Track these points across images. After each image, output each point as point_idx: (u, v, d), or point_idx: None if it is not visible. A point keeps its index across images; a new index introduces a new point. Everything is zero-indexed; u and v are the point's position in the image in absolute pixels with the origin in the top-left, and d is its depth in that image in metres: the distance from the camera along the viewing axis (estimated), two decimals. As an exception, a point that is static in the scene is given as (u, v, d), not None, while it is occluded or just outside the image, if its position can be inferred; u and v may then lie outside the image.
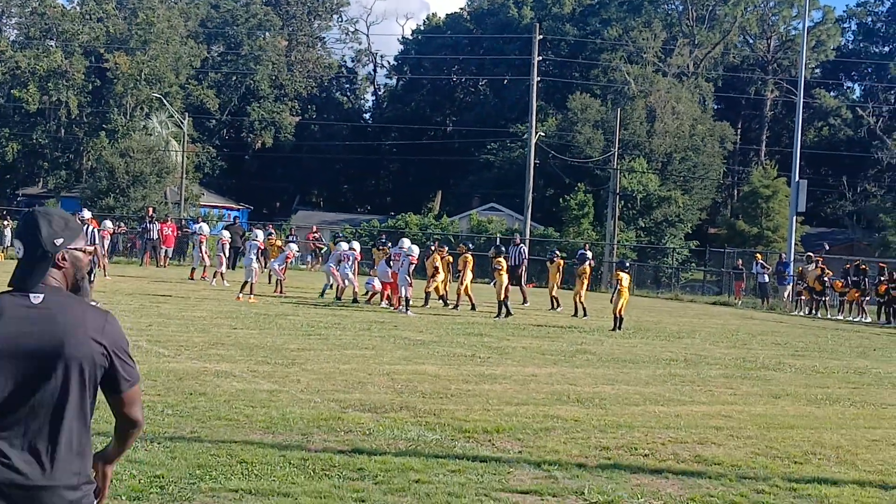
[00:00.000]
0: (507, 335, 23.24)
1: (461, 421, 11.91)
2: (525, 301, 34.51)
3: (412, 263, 28.16)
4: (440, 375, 15.71)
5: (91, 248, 4.46)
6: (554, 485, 9.22)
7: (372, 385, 14.31)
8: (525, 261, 37.18)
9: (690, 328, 28.68)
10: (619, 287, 26.61)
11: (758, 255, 46.88)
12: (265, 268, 33.74)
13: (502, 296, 28.40)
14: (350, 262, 30.96)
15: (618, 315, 26.26)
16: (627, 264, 30.21)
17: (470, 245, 32.70)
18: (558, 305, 32.47)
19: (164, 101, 75.21)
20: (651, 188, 72.90)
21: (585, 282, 31.13)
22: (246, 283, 29.07)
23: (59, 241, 4.09)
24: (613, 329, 26.08)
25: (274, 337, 19.78)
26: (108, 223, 40.82)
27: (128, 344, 4.15)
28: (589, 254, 33.52)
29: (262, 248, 30.90)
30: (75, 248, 4.16)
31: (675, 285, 54.88)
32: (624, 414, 13.18)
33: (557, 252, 34.82)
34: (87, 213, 26.46)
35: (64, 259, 4.12)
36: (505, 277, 28.93)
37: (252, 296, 28.74)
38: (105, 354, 4.02)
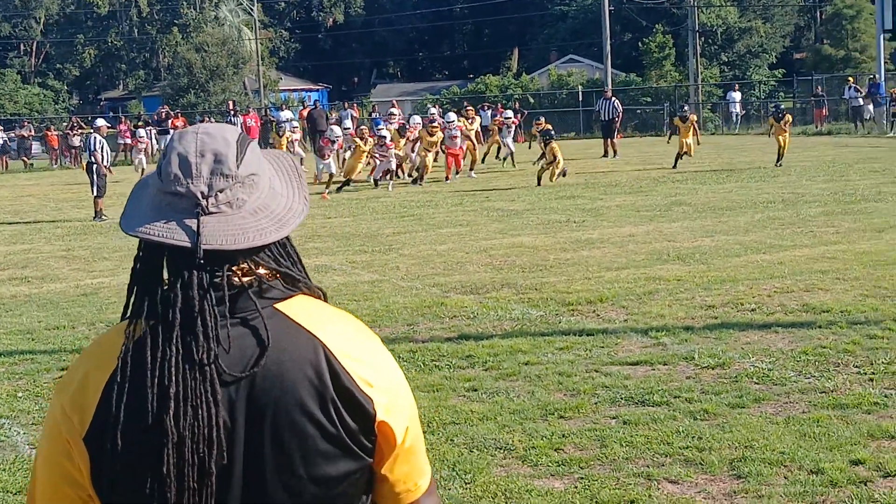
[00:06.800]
0: (600, 195, 23.10)
1: (563, 293, 11.92)
2: (616, 155, 34.10)
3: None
4: (537, 246, 15.71)
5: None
6: (663, 352, 9.21)
7: (471, 264, 14.37)
8: (619, 114, 36.48)
9: (785, 164, 28.10)
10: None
11: (849, 77, 45.60)
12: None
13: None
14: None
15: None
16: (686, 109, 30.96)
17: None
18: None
19: (231, -12, 74.90)
20: (731, 21, 71.22)
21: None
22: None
23: None
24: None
25: (369, 223, 19.91)
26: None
27: None
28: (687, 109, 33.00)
29: (340, 146, 30.05)
30: None
31: (763, 118, 53.89)
32: (726, 267, 13.08)
33: (686, 108, 33.85)
34: (99, 122, 24.64)
35: None
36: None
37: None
38: None
